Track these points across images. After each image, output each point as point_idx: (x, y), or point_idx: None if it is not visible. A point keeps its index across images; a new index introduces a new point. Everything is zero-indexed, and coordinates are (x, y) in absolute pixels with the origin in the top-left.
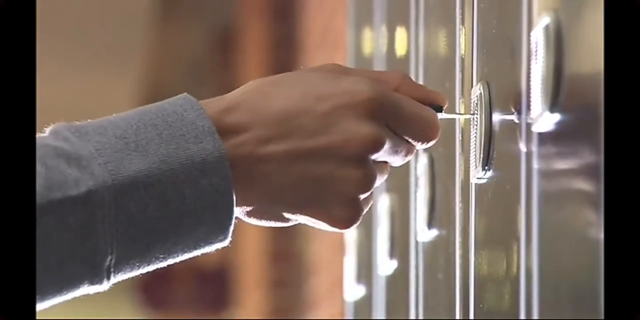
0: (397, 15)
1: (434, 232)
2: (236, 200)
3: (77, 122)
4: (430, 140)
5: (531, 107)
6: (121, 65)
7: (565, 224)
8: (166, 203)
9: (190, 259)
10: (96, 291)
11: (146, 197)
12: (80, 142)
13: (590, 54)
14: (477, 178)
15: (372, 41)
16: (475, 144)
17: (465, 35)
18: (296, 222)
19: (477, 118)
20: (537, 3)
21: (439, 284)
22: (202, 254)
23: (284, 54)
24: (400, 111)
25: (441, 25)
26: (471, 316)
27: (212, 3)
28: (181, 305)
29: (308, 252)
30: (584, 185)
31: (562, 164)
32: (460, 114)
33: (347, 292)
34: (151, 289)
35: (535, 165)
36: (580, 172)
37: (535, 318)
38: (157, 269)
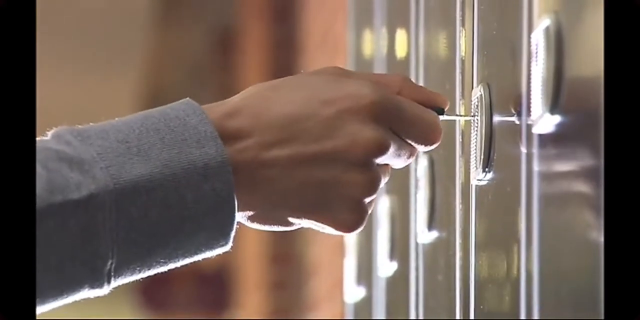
0: (398, 17)
1: (434, 234)
2: (239, 205)
3: (79, 126)
4: (433, 143)
5: (531, 109)
6: (121, 67)
7: (566, 225)
8: (168, 208)
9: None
10: (96, 295)
11: (148, 201)
12: (83, 146)
13: (590, 55)
14: (478, 180)
15: (372, 43)
16: (475, 146)
17: (465, 37)
18: (299, 227)
19: (477, 120)
20: (538, 5)
21: (439, 286)
22: (201, 258)
23: (284, 56)
24: (403, 114)
25: (441, 27)
26: (471, 318)
27: (213, 4)
28: (181, 307)
29: (308, 253)
30: (584, 187)
31: (562, 166)
32: (461, 115)
33: (347, 294)
34: (151, 291)
35: (536, 167)
36: (581, 174)
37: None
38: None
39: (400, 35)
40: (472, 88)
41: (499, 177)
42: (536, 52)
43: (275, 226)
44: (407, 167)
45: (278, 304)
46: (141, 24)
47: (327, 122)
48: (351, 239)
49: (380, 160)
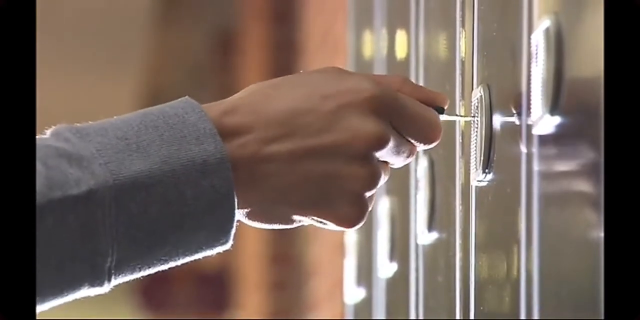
0: (398, 18)
1: (434, 235)
2: (239, 202)
3: (78, 124)
4: (433, 141)
5: (531, 110)
6: (121, 67)
7: (566, 226)
8: (167, 204)
9: (190, 261)
10: (97, 293)
11: (147, 197)
12: (82, 142)
13: (590, 56)
14: (478, 180)
15: (372, 44)
16: (475, 147)
17: (465, 38)
18: (300, 224)
19: (477, 120)
20: (538, 6)
21: (439, 287)
22: (202, 257)
23: (284, 57)
24: (403, 110)
25: (441, 28)
26: (471, 319)
27: (213, 5)
28: (181, 307)
29: (308, 254)
30: (584, 187)
31: (562, 167)
32: (461, 116)
33: (347, 295)
34: (151, 291)
35: (536, 167)
36: (581, 175)
37: None
38: (157, 271)
39: (400, 36)
40: (472, 89)
41: (499, 177)
42: (536, 53)
43: (275, 224)
44: (407, 168)
45: (278, 304)
46: (141, 24)
47: (327, 116)
48: (351, 240)
49: (380, 156)
